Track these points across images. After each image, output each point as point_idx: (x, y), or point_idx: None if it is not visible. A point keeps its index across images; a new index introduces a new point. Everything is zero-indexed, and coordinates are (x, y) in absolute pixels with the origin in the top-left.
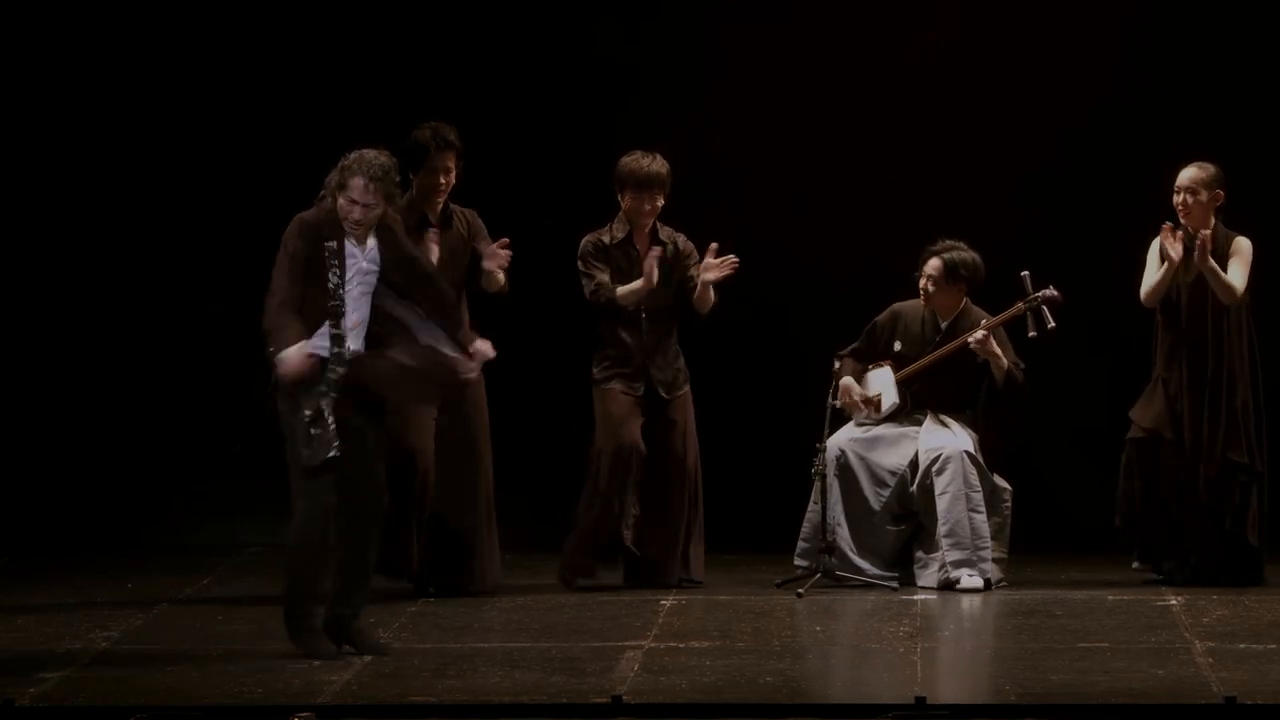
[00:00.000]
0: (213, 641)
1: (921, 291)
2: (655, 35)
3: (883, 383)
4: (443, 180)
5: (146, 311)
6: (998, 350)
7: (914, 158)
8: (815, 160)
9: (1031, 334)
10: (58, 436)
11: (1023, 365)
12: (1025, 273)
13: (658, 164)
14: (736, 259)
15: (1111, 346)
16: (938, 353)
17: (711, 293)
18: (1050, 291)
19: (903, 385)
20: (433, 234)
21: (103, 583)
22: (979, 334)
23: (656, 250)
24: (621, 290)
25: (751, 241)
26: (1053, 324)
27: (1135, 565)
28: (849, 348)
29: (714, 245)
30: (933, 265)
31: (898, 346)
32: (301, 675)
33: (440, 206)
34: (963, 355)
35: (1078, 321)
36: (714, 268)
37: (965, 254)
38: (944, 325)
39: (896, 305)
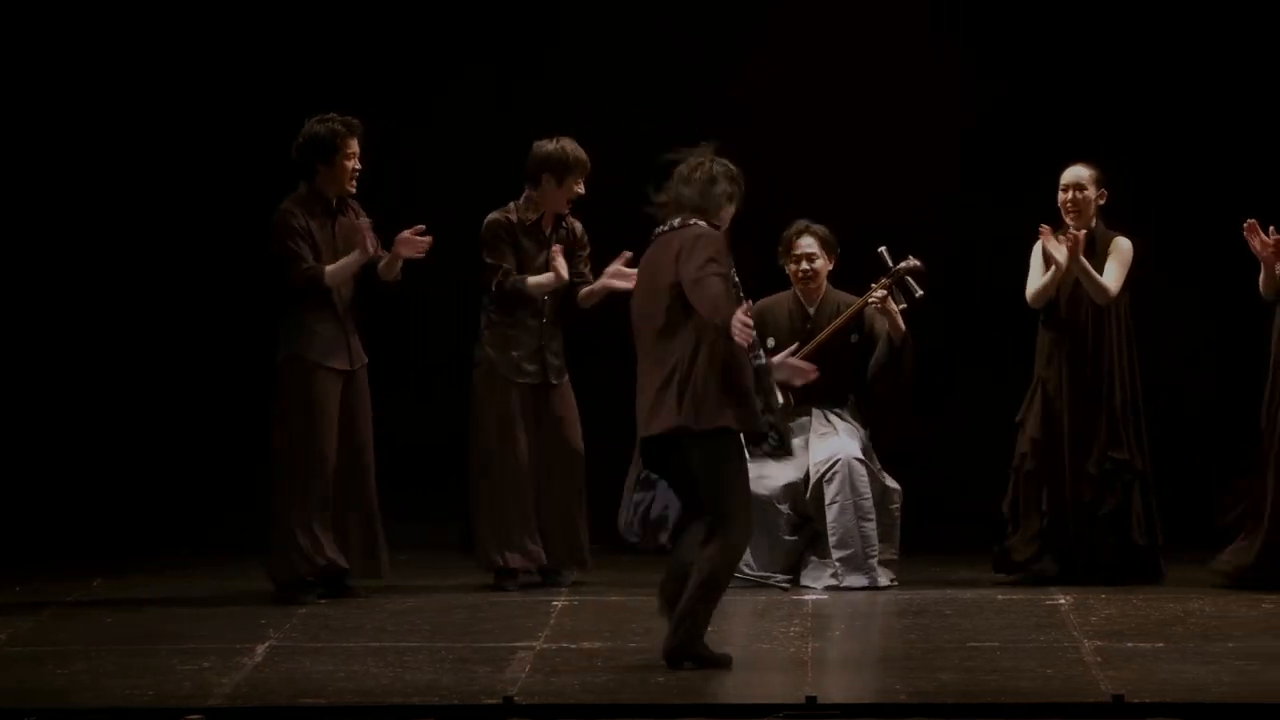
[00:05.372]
0: (103, 644)
1: (799, 274)
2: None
3: None
4: (358, 166)
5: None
6: (895, 309)
7: (826, 156)
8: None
9: (901, 306)
10: None
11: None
12: (883, 248)
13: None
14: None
15: (1003, 345)
16: (823, 335)
17: (603, 295)
18: (911, 262)
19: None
20: (365, 223)
21: None
22: (878, 293)
23: (558, 248)
24: (532, 281)
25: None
26: (920, 292)
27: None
28: None
29: (627, 254)
30: (807, 243)
31: (770, 344)
32: (192, 678)
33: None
34: (837, 342)
35: (973, 321)
36: (625, 277)
37: (823, 227)
38: (812, 311)
39: (760, 302)
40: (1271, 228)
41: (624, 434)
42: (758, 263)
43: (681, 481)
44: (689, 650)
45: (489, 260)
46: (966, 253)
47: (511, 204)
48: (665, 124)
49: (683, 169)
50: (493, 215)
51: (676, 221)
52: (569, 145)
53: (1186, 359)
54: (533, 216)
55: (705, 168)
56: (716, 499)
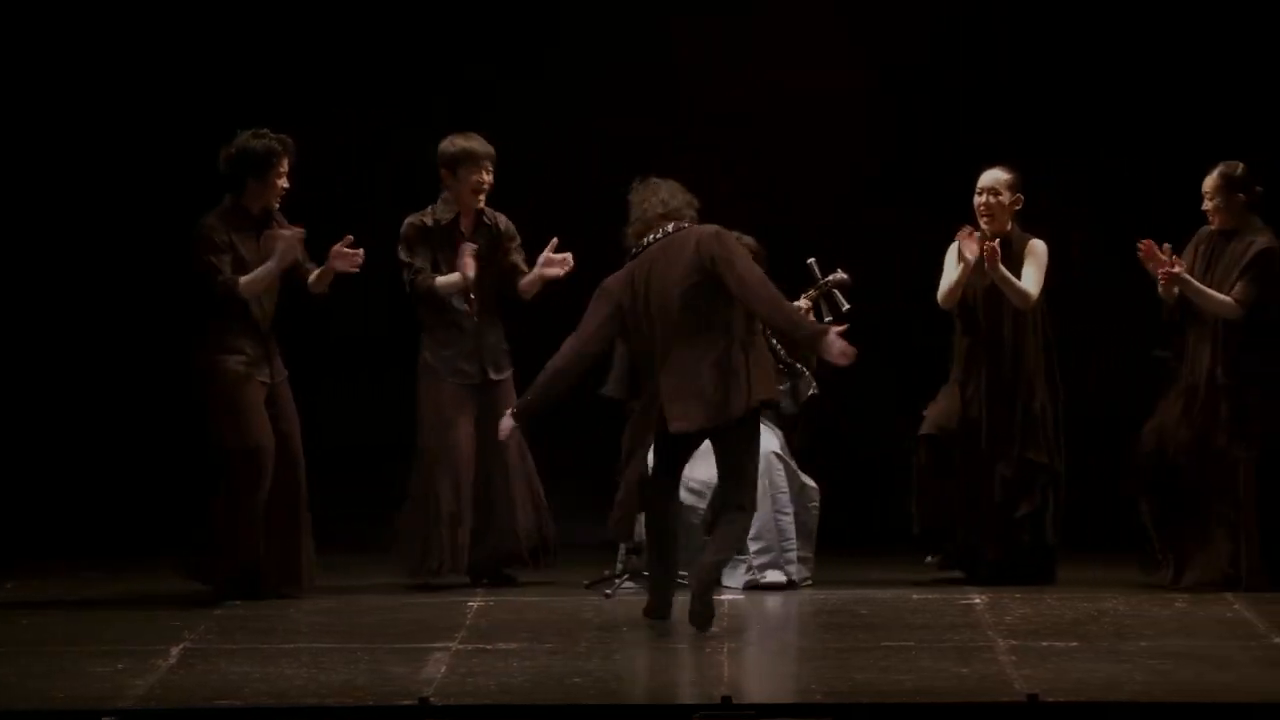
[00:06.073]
0: (16, 646)
1: None
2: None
3: None
4: (287, 185)
5: None
6: None
7: (727, 161)
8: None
9: (827, 319)
10: None
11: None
12: (812, 260)
13: (484, 140)
14: (572, 257)
15: (916, 348)
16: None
17: (540, 283)
18: (839, 275)
19: None
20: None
21: None
22: (803, 304)
23: (471, 246)
24: (440, 280)
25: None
26: (847, 306)
27: (928, 560)
28: None
29: (555, 240)
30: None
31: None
32: (106, 679)
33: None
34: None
35: (883, 324)
36: (555, 264)
37: (750, 238)
38: None
39: None
40: (1166, 245)
41: (567, 429)
42: None
43: (680, 457)
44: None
45: (402, 259)
46: (889, 253)
47: (430, 206)
48: (663, 124)
49: (637, 198)
50: (409, 218)
51: (670, 227)
52: (460, 138)
53: (1072, 358)
54: (448, 216)
55: (656, 188)
56: (746, 470)
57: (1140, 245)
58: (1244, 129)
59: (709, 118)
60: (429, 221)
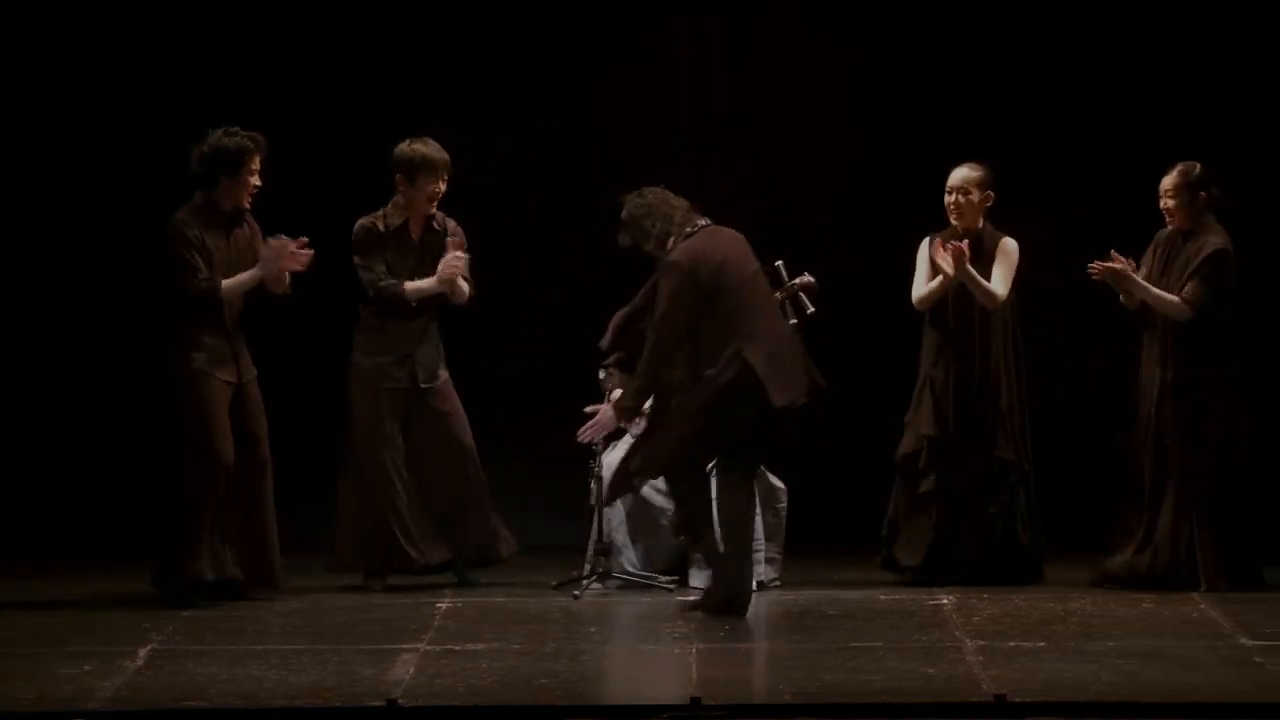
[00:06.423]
0: None
1: None
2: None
3: None
4: (259, 182)
5: None
6: None
7: (702, 160)
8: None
9: (792, 321)
10: None
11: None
12: (779, 262)
13: (440, 148)
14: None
15: (913, 348)
16: None
17: (463, 284)
18: (806, 278)
19: None
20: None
21: None
22: None
23: (462, 257)
24: (410, 287)
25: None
26: (811, 309)
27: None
28: (612, 356)
29: (458, 240)
30: None
31: None
32: (73, 681)
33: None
34: None
35: (882, 323)
36: (448, 265)
37: None
38: None
39: (638, 301)
40: (1112, 251)
41: (534, 432)
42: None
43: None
44: None
45: (362, 265)
46: (888, 253)
47: (381, 209)
48: (663, 124)
49: (654, 198)
50: (362, 221)
51: (706, 220)
52: (419, 145)
53: (1072, 358)
54: (398, 220)
55: (659, 191)
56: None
57: (1092, 269)
58: (1243, 129)
59: (709, 118)
60: (380, 226)
